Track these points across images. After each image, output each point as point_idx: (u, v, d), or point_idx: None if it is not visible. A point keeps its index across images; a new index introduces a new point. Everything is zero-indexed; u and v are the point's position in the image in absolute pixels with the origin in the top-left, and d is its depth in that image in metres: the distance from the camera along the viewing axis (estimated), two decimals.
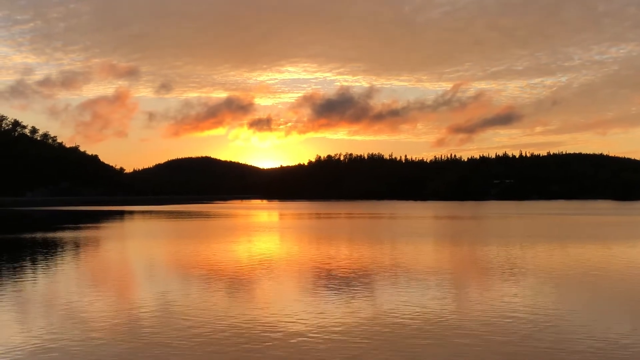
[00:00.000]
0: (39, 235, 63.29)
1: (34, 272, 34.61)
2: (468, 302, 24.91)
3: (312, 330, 20.00)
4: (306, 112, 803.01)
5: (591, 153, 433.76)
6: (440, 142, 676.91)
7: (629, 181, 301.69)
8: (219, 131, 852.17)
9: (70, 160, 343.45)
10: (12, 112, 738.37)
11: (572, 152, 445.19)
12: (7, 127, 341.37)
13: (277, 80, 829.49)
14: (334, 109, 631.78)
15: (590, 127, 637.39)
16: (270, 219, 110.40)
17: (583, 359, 16.78)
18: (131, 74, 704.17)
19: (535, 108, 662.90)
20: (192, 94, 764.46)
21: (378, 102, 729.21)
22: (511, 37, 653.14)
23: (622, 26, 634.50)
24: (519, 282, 30.36)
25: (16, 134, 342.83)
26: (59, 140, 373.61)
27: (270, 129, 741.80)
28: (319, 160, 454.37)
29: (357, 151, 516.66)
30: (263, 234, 66.95)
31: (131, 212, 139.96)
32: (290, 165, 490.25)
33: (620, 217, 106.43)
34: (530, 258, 40.92)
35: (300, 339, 18.90)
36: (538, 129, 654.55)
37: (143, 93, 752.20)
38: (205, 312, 22.83)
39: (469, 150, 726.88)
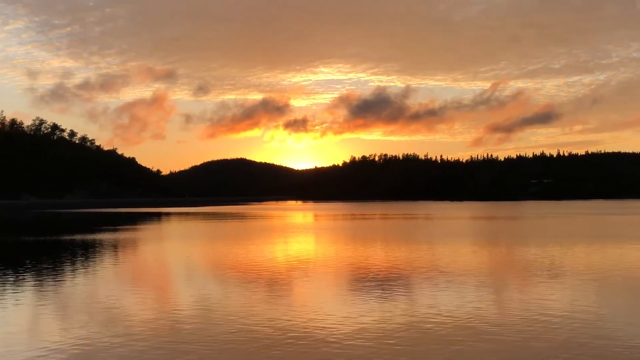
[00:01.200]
0: (78, 237, 64.25)
1: (73, 274, 35.13)
2: (506, 304, 24.65)
3: (350, 332, 19.97)
4: (342, 112, 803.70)
5: (630, 152, 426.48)
6: (477, 142, 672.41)
7: None
8: (255, 132, 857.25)
9: (108, 162, 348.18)
10: (52, 115, 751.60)
11: (610, 150, 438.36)
12: (46, 131, 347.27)
13: (311, 81, 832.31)
14: (370, 109, 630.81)
15: (629, 126, 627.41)
16: (305, 220, 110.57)
17: (623, 353, 16.50)
18: (168, 76, 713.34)
19: (573, 107, 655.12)
20: (229, 96, 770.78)
21: (415, 102, 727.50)
22: (548, 34, 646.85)
23: None
24: (558, 283, 29.95)
25: (55, 137, 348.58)
26: (97, 143, 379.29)
27: (305, 130, 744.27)
28: (353, 160, 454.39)
29: (392, 151, 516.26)
30: (299, 235, 67.07)
31: (168, 214, 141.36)
32: (325, 166, 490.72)
33: None
34: (568, 259, 40.35)
35: (337, 340, 18.88)
36: (576, 127, 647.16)
37: (180, 95, 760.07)
38: (243, 313, 22.93)
39: (505, 149, 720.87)
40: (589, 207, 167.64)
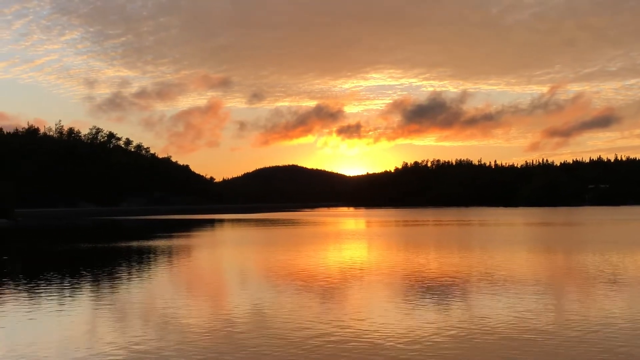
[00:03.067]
0: (133, 243, 65.29)
1: (129, 280, 35.64)
2: (563, 315, 24.02)
3: (403, 339, 19.71)
4: (396, 118, 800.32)
5: None
6: (533, 147, 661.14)
7: None
8: (308, 139, 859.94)
9: (162, 170, 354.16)
10: (109, 124, 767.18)
11: None
12: (102, 139, 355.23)
13: (362, 88, 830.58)
14: (425, 114, 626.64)
15: None
16: (358, 226, 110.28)
17: None
18: (223, 84, 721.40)
19: (632, 110, 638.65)
20: (283, 103, 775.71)
21: (471, 107, 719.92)
22: (603, 36, 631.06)
23: None
24: (617, 291, 29.09)
25: (111, 145, 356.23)
26: (152, 151, 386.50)
27: (359, 136, 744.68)
28: (405, 166, 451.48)
29: (446, 157, 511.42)
30: (351, 241, 66.86)
31: (221, 221, 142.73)
32: (377, 172, 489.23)
33: None
34: (629, 267, 39.18)
35: (391, 348, 18.66)
36: (634, 131, 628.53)
37: (234, 103, 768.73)
38: (297, 319, 22.87)
39: (561, 154, 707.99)
40: None
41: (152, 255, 50.71)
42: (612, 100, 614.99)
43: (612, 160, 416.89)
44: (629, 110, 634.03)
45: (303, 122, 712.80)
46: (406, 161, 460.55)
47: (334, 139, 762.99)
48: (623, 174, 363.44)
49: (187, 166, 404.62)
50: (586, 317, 22.87)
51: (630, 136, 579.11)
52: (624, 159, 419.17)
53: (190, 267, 43.53)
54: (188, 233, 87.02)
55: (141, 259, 48.58)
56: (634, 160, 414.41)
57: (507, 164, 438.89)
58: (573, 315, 23.34)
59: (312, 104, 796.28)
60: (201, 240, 71.79)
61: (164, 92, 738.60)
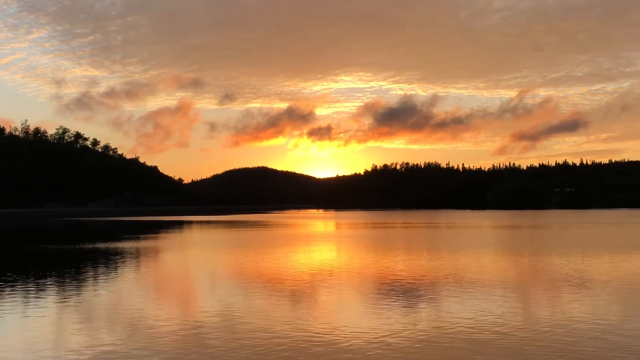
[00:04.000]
0: (101, 245, 64.61)
1: (96, 282, 35.26)
2: (530, 317, 24.31)
3: (371, 341, 19.78)
4: (367, 120, 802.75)
5: None
6: (502, 150, 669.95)
7: None
8: (279, 141, 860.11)
9: (130, 171, 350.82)
10: (77, 124, 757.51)
11: (634, 159, 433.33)
12: (69, 140, 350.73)
13: (332, 90, 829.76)
14: (395, 117, 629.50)
15: None
16: (327, 228, 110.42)
17: None
18: (194, 85, 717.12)
19: (597, 115, 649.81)
20: (254, 104, 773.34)
21: (441, 110, 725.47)
22: (571, 42, 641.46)
23: None
24: (583, 294, 29.52)
25: (78, 146, 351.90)
26: (120, 152, 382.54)
27: (330, 138, 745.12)
28: (375, 169, 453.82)
29: (415, 160, 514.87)
30: (321, 243, 66.91)
31: (190, 222, 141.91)
32: (347, 174, 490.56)
33: None
34: (594, 269, 39.79)
35: (357, 350, 18.71)
36: (599, 136, 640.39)
37: (205, 104, 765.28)
38: (266, 322, 22.82)
39: (528, 158, 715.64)
40: (613, 216, 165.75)
41: (119, 257, 50.22)
42: (578, 105, 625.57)
43: (578, 165, 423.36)
44: (595, 115, 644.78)
45: (274, 124, 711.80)
46: (376, 164, 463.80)
47: (305, 141, 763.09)
48: (588, 178, 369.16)
49: (155, 167, 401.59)
50: (551, 319, 23.16)
51: (596, 140, 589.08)
52: (589, 163, 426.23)
53: (158, 269, 43.22)
54: (156, 235, 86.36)
55: (108, 260, 48.08)
56: (599, 164, 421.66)
57: (475, 168, 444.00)
58: (539, 317, 23.62)
59: (283, 105, 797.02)
60: (169, 242, 71.30)
61: (133, 92, 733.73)
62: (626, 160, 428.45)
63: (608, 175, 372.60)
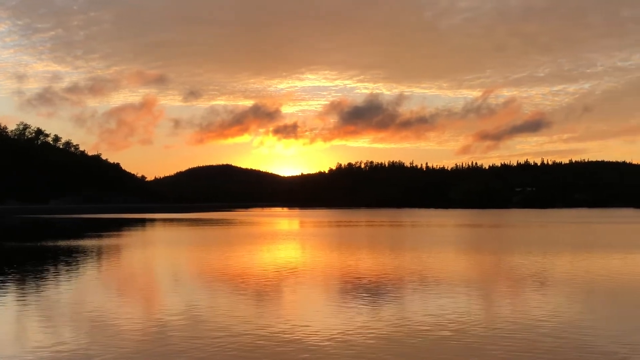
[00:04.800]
0: (62, 243, 63.74)
1: (57, 280, 34.79)
2: (491, 312, 24.68)
3: (334, 340, 19.88)
4: (332, 119, 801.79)
5: (615, 160, 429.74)
6: (465, 150, 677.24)
7: None
8: (244, 138, 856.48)
9: (92, 168, 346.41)
10: (39, 119, 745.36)
11: (594, 159, 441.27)
12: (30, 136, 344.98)
13: (297, 88, 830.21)
14: (361, 116, 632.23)
15: (614, 135, 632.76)
16: (292, 226, 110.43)
17: None
18: (158, 81, 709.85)
19: (559, 115, 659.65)
20: (219, 102, 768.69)
21: (406, 109, 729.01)
22: (533, 43, 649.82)
23: None
24: (543, 291, 30.04)
25: (39, 142, 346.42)
26: (82, 148, 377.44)
27: (295, 136, 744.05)
28: (339, 168, 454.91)
29: (380, 159, 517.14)
30: (285, 241, 66.90)
31: (152, 220, 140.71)
32: (312, 173, 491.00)
33: None
34: (553, 267, 40.49)
35: (320, 349, 18.79)
36: (561, 136, 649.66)
37: (169, 100, 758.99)
38: (229, 321, 22.78)
39: (490, 158, 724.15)
40: (573, 216, 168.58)
41: (81, 255, 49.59)
42: (539, 105, 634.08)
43: (539, 164, 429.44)
44: (557, 115, 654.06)
45: (239, 121, 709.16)
46: (341, 162, 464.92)
47: (270, 139, 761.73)
48: (549, 177, 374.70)
49: (117, 164, 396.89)
50: (512, 317, 23.50)
51: (558, 141, 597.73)
52: (550, 163, 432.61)
53: (120, 267, 42.81)
54: (118, 232, 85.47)
55: (69, 258, 47.45)
56: (560, 164, 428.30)
57: (439, 167, 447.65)
58: (500, 315, 23.96)
59: (248, 103, 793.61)
60: (132, 239, 70.64)
61: (96, 87, 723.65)
62: (586, 160, 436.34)
63: (568, 175, 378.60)
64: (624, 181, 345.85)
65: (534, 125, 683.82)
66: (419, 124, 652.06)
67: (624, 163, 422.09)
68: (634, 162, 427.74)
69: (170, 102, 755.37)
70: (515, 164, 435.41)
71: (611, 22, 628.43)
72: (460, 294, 28.94)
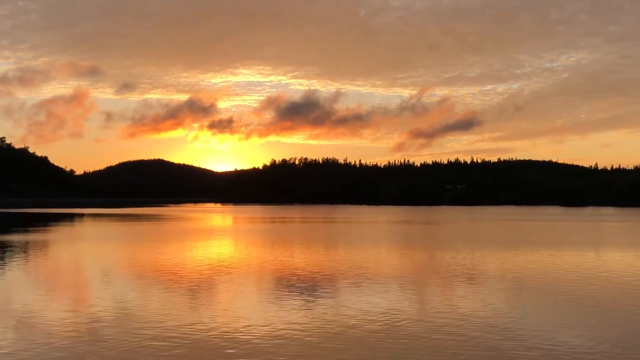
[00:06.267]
0: None
1: None
2: (421, 307, 25.22)
3: (266, 336, 20.00)
4: (269, 115, 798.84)
5: (541, 160, 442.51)
6: (399, 147, 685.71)
7: (578, 188, 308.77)
8: (178, 133, 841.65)
9: (19, 161, 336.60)
10: None
11: (522, 158, 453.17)
12: None
13: (231, 83, 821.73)
14: (298, 112, 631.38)
15: (541, 134, 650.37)
16: (225, 223, 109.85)
17: (530, 357, 17.18)
18: (91, 73, 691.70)
19: (489, 115, 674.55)
20: (153, 95, 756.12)
21: (343, 106, 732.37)
22: (465, 43, 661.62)
23: (574, 34, 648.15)
24: (471, 287, 30.83)
25: None
26: (8, 141, 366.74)
27: (231, 132, 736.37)
28: (274, 164, 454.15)
29: (315, 155, 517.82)
30: (218, 238, 66.56)
31: (81, 215, 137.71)
32: (245, 168, 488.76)
33: (566, 223, 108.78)
34: (481, 263, 41.56)
35: (254, 344, 18.89)
36: (490, 135, 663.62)
37: (101, 93, 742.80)
38: (161, 319, 22.60)
39: (422, 155, 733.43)
40: (501, 213, 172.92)
41: (6, 251, 48.21)
42: (470, 104, 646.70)
43: (469, 163, 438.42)
44: (488, 114, 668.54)
45: (174, 116, 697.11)
46: (276, 158, 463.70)
47: (205, 134, 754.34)
48: (478, 175, 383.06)
49: (45, 158, 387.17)
50: (441, 311, 24.06)
51: (487, 139, 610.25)
52: (479, 161, 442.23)
53: (47, 264, 41.84)
54: (46, 228, 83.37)
55: None
56: (489, 162, 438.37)
57: (372, 164, 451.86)
58: (428, 308, 24.50)
59: (184, 97, 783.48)
60: (60, 235, 69.05)
61: (26, 78, 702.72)
62: (514, 159, 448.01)
63: (496, 174, 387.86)
64: (550, 180, 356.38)
65: (466, 124, 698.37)
66: (355, 121, 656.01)
67: (550, 162, 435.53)
68: (560, 161, 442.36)
69: (103, 94, 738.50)
70: (446, 162, 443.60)
71: (540, 24, 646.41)
72: (392, 290, 29.44)
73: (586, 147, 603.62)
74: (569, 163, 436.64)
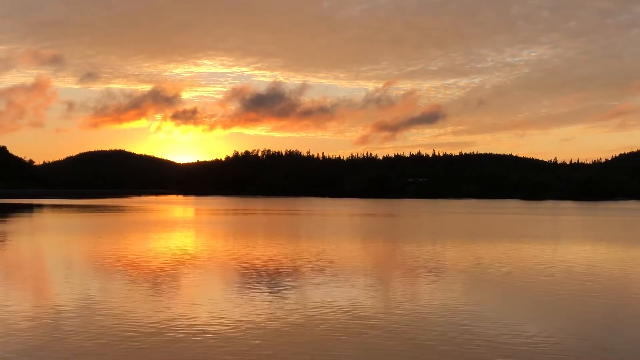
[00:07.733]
0: None
1: None
2: (383, 299, 25.45)
3: (230, 327, 20.02)
4: (233, 106, 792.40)
5: (502, 154, 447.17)
6: (363, 140, 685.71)
7: (538, 182, 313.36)
8: (141, 123, 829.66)
9: None
10: None
11: (483, 152, 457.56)
12: None
13: (193, 73, 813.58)
14: (262, 104, 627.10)
15: (502, 128, 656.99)
16: (185, 214, 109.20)
17: (489, 347, 17.47)
18: (52, 62, 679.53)
19: (452, 108, 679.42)
20: (116, 85, 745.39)
21: (308, 99, 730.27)
22: (427, 37, 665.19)
23: (535, 29, 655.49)
24: (433, 279, 31.20)
25: None
26: None
27: (194, 123, 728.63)
28: (236, 155, 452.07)
29: (279, 147, 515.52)
30: (180, 230, 66.18)
31: (41, 206, 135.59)
32: (208, 160, 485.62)
33: (526, 217, 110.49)
34: (442, 256, 42.06)
35: (218, 335, 18.89)
36: (453, 129, 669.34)
37: (62, 82, 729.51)
38: (124, 310, 22.47)
39: (385, 149, 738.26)
40: (462, 207, 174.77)
41: None
42: (432, 98, 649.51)
43: (431, 156, 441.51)
44: (451, 108, 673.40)
45: (136, 106, 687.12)
46: (239, 150, 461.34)
47: (168, 125, 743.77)
48: (440, 169, 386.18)
49: (4, 147, 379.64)
50: (403, 302, 24.35)
51: (450, 133, 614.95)
52: (441, 154, 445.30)
53: (6, 255, 41.19)
54: (4, 219, 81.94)
55: None
56: (450, 156, 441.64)
57: (335, 157, 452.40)
58: (390, 300, 24.76)
59: (147, 87, 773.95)
60: (18, 226, 67.95)
61: None
62: (475, 152, 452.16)
63: (458, 167, 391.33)
64: (511, 173, 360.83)
65: (430, 118, 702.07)
66: (320, 113, 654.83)
67: (510, 156, 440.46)
68: (521, 155, 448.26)
69: (64, 84, 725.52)
70: (408, 155, 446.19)
71: (502, 19, 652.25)
72: (355, 282, 29.64)
73: (546, 141, 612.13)
74: (529, 157, 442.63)
